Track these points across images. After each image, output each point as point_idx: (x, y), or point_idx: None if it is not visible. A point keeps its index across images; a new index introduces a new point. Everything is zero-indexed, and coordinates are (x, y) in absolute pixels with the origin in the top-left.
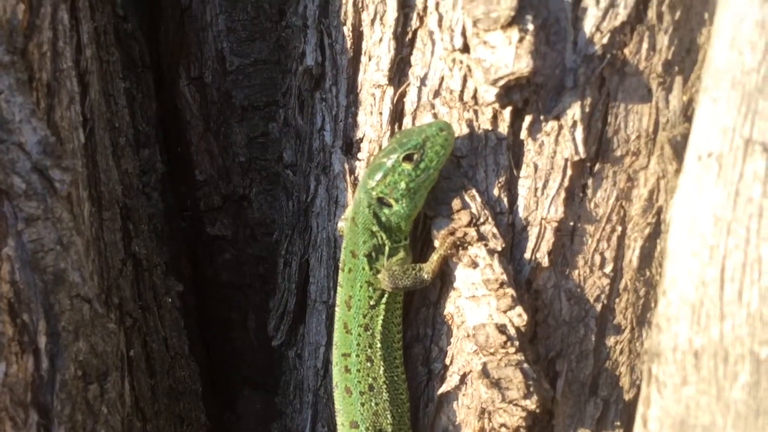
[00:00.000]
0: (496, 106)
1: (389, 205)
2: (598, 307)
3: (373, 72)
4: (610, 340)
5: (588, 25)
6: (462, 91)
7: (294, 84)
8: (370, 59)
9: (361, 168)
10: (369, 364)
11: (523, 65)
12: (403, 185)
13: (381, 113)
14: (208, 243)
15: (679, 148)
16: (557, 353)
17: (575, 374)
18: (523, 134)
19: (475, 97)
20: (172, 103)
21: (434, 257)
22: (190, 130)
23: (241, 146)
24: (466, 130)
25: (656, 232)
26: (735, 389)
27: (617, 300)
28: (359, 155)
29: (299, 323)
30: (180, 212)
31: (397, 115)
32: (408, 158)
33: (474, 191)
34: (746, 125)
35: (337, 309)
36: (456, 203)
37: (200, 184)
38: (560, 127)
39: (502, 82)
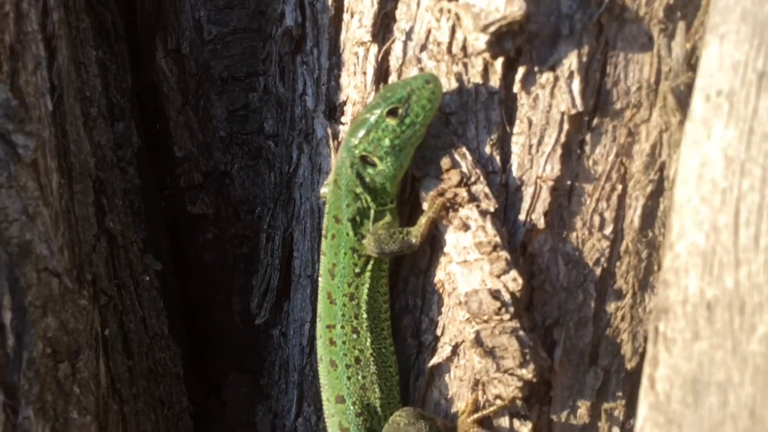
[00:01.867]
0: (487, 56)
1: (373, 164)
2: (598, 271)
3: (356, 29)
4: (611, 306)
5: None
6: (450, 43)
7: (274, 50)
8: (352, 16)
9: (344, 132)
10: (355, 336)
11: (516, 9)
12: (387, 142)
13: (365, 73)
14: (189, 222)
15: (682, 99)
16: (555, 320)
17: (574, 342)
18: (516, 87)
19: (464, 48)
20: (149, 77)
21: (422, 220)
22: (168, 104)
23: (222, 120)
24: (455, 85)
25: (659, 189)
26: (753, 342)
27: (618, 263)
28: (342, 119)
29: (283, 300)
30: (159, 190)
31: (381, 74)
32: (392, 113)
33: (464, 149)
34: (759, 58)
35: (320, 278)
36: (445, 162)
37: (180, 161)
38: (556, 79)
39: (493, 28)
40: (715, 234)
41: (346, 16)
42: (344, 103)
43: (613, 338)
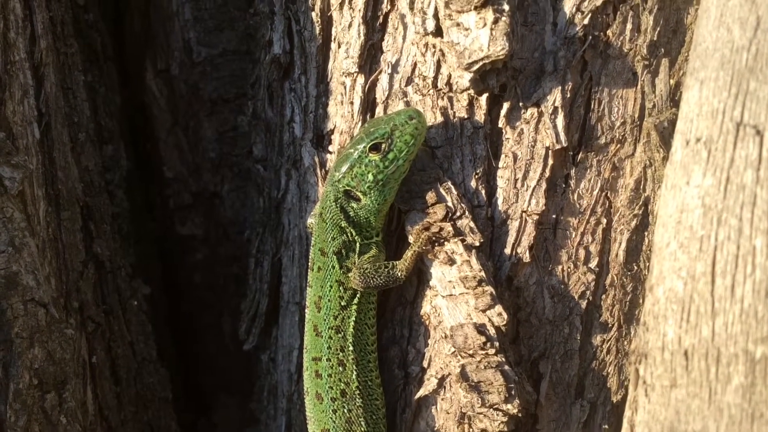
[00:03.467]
0: (472, 92)
1: (357, 199)
2: (583, 304)
3: (343, 59)
4: (597, 339)
5: (568, 5)
6: (435, 78)
7: (263, 74)
8: (339, 46)
9: (332, 161)
10: (341, 369)
11: (499, 48)
12: (370, 177)
13: (352, 103)
14: (178, 243)
15: (666, 135)
16: (540, 354)
17: (560, 375)
18: (501, 122)
19: (449, 83)
20: (138, 98)
21: (408, 254)
22: (158, 125)
23: (211, 141)
24: (440, 119)
25: (643, 224)
26: (728, 392)
27: (603, 296)
28: (330, 148)
29: (272, 325)
30: (149, 211)
31: (368, 104)
32: (375, 148)
33: (449, 183)
34: (737, 107)
35: (306, 310)
36: (430, 196)
37: (169, 182)
38: (540, 114)
39: (476, 67)
40: (693, 282)
41: (333, 45)
42: (331, 131)
43: (599, 371)
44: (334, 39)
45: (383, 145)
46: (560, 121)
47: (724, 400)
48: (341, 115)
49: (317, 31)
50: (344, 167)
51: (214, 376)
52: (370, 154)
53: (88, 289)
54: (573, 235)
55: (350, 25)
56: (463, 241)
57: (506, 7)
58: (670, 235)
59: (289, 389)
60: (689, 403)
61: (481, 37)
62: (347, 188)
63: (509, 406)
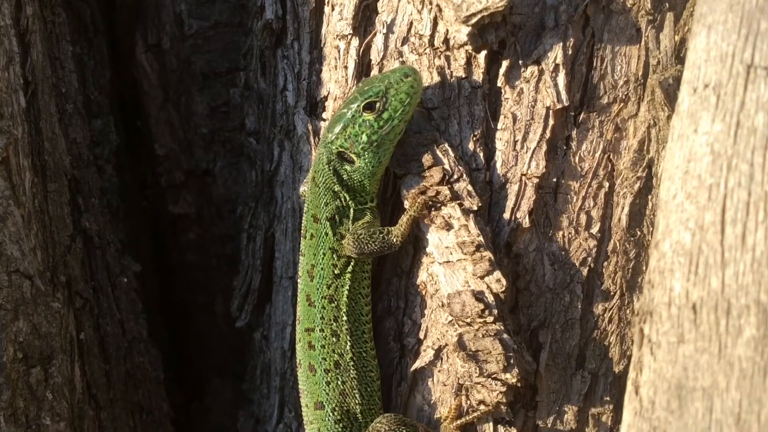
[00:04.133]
0: (469, 48)
1: (351, 161)
2: (585, 271)
3: (337, 22)
4: (598, 308)
5: None
6: (432, 36)
7: (255, 44)
8: (333, 8)
9: (324, 128)
10: (334, 339)
11: (498, 0)
12: (365, 138)
13: (346, 67)
14: (170, 222)
15: (671, 92)
16: (540, 323)
17: (560, 345)
18: (500, 81)
19: (446, 41)
20: (128, 73)
21: (404, 219)
22: (149, 101)
23: (203, 116)
24: (437, 79)
25: (647, 186)
26: (739, 345)
27: (605, 263)
28: (323, 115)
29: (265, 302)
30: (140, 189)
31: (363, 68)
32: (369, 107)
33: (446, 146)
34: (747, 49)
35: (299, 280)
36: (427, 159)
37: (161, 159)
38: (540, 73)
39: (474, 20)
40: (701, 232)
41: (327, 9)
42: (325, 98)
43: (600, 341)
44: (327, 2)
45: (377, 104)
46: (561, 79)
47: (734, 354)
48: (335, 81)
49: None
50: (337, 128)
51: (206, 358)
52: (364, 114)
53: (75, 264)
54: (574, 200)
55: None
56: (460, 205)
57: None
58: (676, 187)
59: (282, 367)
60: (698, 359)
61: None
62: (340, 149)
63: (508, 375)
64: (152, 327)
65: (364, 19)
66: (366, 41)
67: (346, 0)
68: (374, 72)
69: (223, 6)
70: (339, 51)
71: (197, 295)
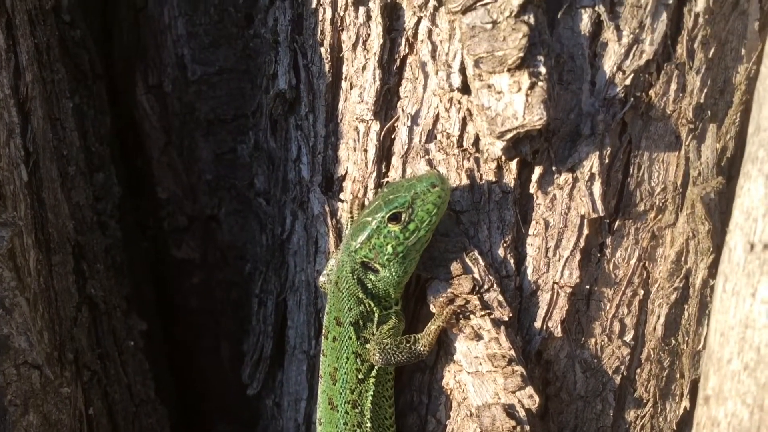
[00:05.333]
0: (502, 158)
1: (375, 270)
2: (617, 379)
3: (356, 103)
4: (630, 415)
5: (608, 63)
6: (461, 136)
7: (265, 104)
8: (352, 87)
9: (342, 210)
10: None
11: (536, 118)
12: (390, 249)
13: (366, 150)
14: (174, 267)
15: (712, 207)
16: (571, 431)
17: None
18: (533, 187)
19: (476, 144)
20: (129, 115)
21: (431, 328)
22: (150, 143)
23: (208, 162)
24: (466, 181)
25: (684, 296)
26: None
27: (638, 371)
28: (341, 195)
29: (277, 368)
30: (142, 231)
31: (384, 153)
32: (394, 218)
33: (476, 253)
34: None
35: (320, 380)
36: (456, 267)
37: (163, 203)
38: (575, 180)
39: (509, 135)
40: (761, 413)
41: (344, 85)
42: (343, 177)
43: None
44: (346, 78)
45: (403, 215)
46: (597, 188)
47: None
48: (354, 162)
49: (326, 68)
50: (361, 237)
51: (211, 403)
52: (389, 225)
53: (82, 335)
54: (608, 307)
55: (364, 68)
56: (490, 315)
57: (543, 69)
58: (732, 351)
59: None
60: None
61: (515, 103)
62: (364, 260)
63: None
64: (157, 377)
65: (385, 103)
66: (387, 126)
67: (367, 83)
68: (396, 161)
69: (228, 52)
70: (358, 133)
71: (202, 339)
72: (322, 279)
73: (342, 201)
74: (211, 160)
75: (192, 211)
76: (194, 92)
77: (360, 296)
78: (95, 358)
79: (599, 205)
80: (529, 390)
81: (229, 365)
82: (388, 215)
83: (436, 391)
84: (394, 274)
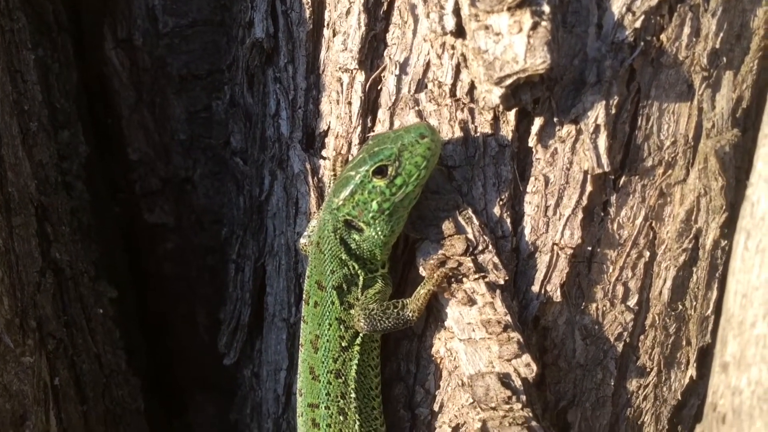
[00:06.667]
0: (500, 108)
1: (360, 230)
2: (620, 346)
3: (340, 52)
4: (632, 385)
5: (616, 4)
6: (454, 85)
7: (241, 56)
8: (335, 34)
9: (325, 167)
10: (342, 418)
11: (539, 61)
12: (375, 206)
13: (350, 103)
14: (147, 232)
15: (726, 161)
16: (569, 401)
17: (590, 424)
18: (532, 140)
19: (470, 93)
20: (97, 70)
21: (421, 292)
22: (120, 101)
23: (181, 121)
24: (459, 134)
25: (692, 258)
26: None
27: (642, 338)
28: (323, 152)
29: (255, 337)
30: (113, 196)
31: (369, 105)
32: (380, 172)
33: (470, 211)
34: None
35: (301, 348)
36: (448, 227)
37: (134, 165)
38: (578, 133)
39: (509, 81)
40: None
41: (327, 32)
42: (325, 133)
43: (633, 419)
44: (328, 25)
45: (390, 169)
46: (602, 141)
47: None
48: (337, 116)
49: (307, 14)
50: (344, 193)
51: (188, 372)
52: (374, 179)
53: (46, 302)
54: (610, 270)
55: (348, 13)
56: (485, 278)
57: (546, 8)
58: (756, 313)
59: (276, 411)
60: None
61: (516, 45)
62: (348, 218)
63: None
64: (130, 344)
65: (371, 52)
66: (373, 76)
67: (352, 29)
68: (383, 114)
69: (202, 2)
70: (342, 84)
71: (177, 307)
72: (303, 241)
73: (324, 158)
74: (185, 118)
75: (165, 173)
76: (166, 46)
77: (343, 258)
78: (61, 327)
79: (604, 160)
80: (526, 358)
81: (206, 334)
82: (372, 169)
83: (424, 359)
84: (379, 233)
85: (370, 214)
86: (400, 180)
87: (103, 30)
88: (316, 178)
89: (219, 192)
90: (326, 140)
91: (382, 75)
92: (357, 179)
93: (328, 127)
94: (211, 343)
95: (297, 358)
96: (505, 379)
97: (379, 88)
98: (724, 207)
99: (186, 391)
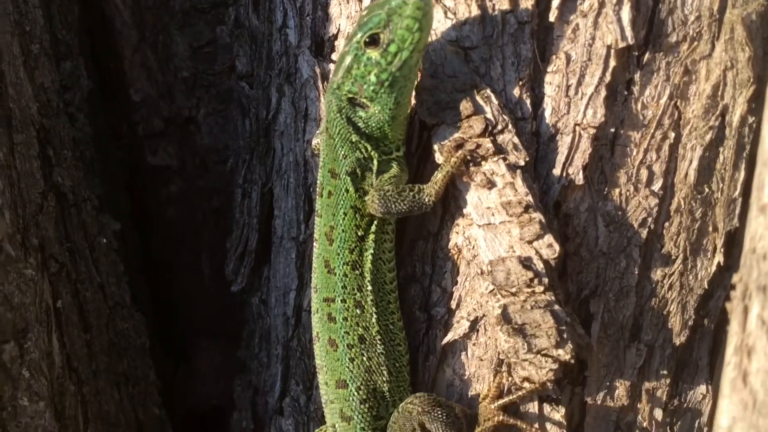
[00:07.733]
0: None
1: (364, 107)
2: (644, 233)
3: None
4: (657, 273)
5: None
6: None
7: None
8: None
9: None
10: (359, 311)
11: None
12: (373, 78)
13: (361, 0)
14: (150, 174)
15: (753, 30)
16: (591, 291)
17: (613, 315)
18: (552, 15)
19: None
20: (99, 9)
21: (438, 176)
22: (122, 41)
23: (184, 58)
24: (476, 12)
25: (719, 137)
26: None
27: (667, 224)
28: (333, 56)
29: (263, 264)
30: (115, 138)
31: None
32: (372, 42)
33: (488, 91)
34: None
35: (315, 243)
36: (465, 107)
37: (137, 106)
38: (601, 5)
39: None
40: None
41: None
42: (335, 36)
43: (658, 310)
44: None
45: (382, 37)
46: (626, 13)
47: None
48: (347, 16)
49: None
50: (341, 71)
51: (193, 319)
52: (368, 50)
53: (49, 225)
54: (634, 153)
55: None
56: (505, 159)
57: None
58: None
59: (286, 335)
60: None
61: None
62: (350, 95)
63: (560, 351)
64: (134, 289)
65: None
66: None
67: None
68: None
69: None
70: None
71: (181, 252)
72: (315, 141)
73: (334, 62)
74: (188, 55)
75: (168, 113)
76: None
77: (354, 140)
78: (64, 251)
79: (628, 32)
80: (549, 238)
81: (211, 279)
82: (364, 39)
83: (440, 259)
84: (384, 107)
85: (371, 88)
86: (394, 47)
87: None
88: (325, 82)
89: (223, 130)
90: (336, 44)
91: None
92: (351, 53)
93: (338, 30)
94: (216, 290)
95: (307, 277)
96: (526, 263)
97: None
98: (751, 79)
99: (191, 340)
